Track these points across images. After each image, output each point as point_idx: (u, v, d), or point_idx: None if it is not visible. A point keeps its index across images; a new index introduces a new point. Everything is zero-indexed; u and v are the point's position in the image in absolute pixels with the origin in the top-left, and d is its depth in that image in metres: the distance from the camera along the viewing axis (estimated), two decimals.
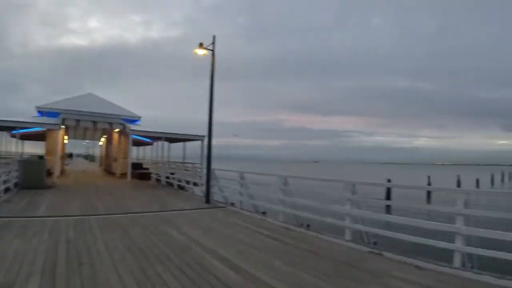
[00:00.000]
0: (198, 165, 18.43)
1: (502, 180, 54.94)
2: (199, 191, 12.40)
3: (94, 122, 17.95)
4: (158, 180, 17.45)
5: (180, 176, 14.62)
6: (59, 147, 19.88)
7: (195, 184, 13.37)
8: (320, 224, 7.01)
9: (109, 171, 25.28)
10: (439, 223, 5.07)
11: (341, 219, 6.32)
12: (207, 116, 10.18)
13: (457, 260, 4.55)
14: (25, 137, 27.25)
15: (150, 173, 19.18)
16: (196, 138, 19.71)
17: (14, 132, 23.41)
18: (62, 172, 22.01)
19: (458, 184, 38.36)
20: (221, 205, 9.84)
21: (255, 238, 6.05)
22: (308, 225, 7.76)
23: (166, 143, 23.20)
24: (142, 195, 12.15)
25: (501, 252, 4.20)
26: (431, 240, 4.96)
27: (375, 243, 6.16)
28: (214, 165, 10.38)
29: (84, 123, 17.71)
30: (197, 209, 9.17)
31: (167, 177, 15.84)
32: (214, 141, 10.98)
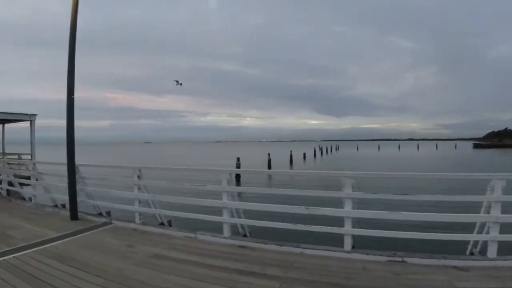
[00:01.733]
0: (25, 157, 13.29)
1: (321, 153, 65.71)
2: (36, 195, 8.40)
3: None
4: None
5: (8, 176, 9.61)
6: None
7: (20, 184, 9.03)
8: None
9: None
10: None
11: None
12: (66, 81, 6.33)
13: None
14: None
15: None
16: (21, 118, 14.10)
17: None
18: None
19: (291, 159, 42.70)
20: (102, 220, 6.40)
21: None
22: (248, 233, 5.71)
23: None
24: None
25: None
26: None
27: None
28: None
29: None
30: (66, 234, 5.49)
31: None
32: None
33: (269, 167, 33.60)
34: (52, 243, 5.07)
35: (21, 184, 9.03)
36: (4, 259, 4.34)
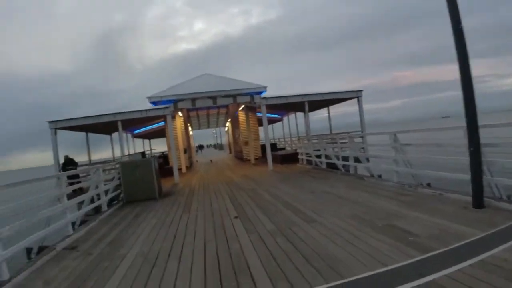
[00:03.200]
0: (354, 134, 12.88)
1: None
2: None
3: (213, 99, 13.67)
4: (309, 162, 12.62)
5: (353, 152, 9.46)
6: (179, 138, 16.76)
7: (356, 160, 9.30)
8: None
9: (240, 158, 21.78)
10: None
11: None
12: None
13: None
14: (149, 136, 25.71)
15: (297, 154, 14.26)
16: (348, 96, 14.12)
17: (135, 132, 21.58)
18: (190, 167, 19.22)
19: None
20: None
21: None
22: None
23: (300, 115, 18.81)
24: (319, 199, 6.28)
25: None
26: None
27: None
28: None
29: (202, 101, 13.59)
30: (492, 234, 3.39)
31: (327, 156, 11.02)
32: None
33: None
34: (491, 252, 3.00)
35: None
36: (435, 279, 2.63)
